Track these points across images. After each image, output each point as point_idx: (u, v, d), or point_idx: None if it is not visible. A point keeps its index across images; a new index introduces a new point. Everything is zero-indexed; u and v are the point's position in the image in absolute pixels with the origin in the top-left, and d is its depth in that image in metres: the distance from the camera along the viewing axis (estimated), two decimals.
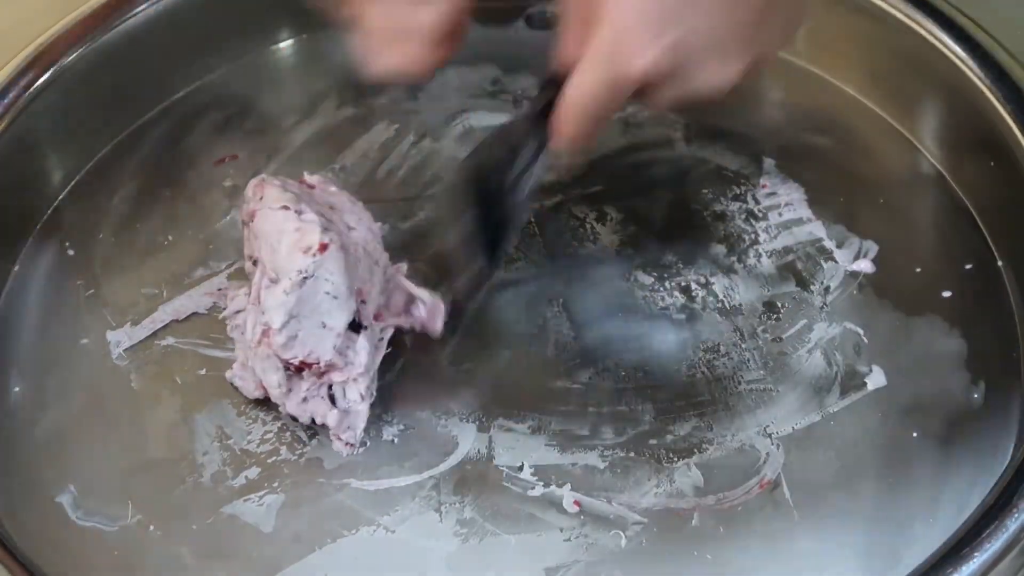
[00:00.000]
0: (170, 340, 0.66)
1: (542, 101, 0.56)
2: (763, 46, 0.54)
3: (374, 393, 0.61)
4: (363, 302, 0.60)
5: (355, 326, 0.60)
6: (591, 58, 0.52)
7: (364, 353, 0.60)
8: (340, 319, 0.58)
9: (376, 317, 0.62)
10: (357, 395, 0.60)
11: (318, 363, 0.59)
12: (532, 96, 0.61)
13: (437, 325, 0.63)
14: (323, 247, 0.57)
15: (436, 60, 0.56)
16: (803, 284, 0.67)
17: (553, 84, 0.55)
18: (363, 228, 0.63)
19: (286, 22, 0.83)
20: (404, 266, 0.65)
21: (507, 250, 0.66)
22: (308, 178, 0.65)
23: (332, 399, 0.60)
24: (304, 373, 0.59)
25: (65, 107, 0.73)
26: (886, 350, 0.64)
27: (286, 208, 0.59)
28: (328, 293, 0.58)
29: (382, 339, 0.62)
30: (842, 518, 0.58)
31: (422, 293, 0.63)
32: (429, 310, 0.63)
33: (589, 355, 0.64)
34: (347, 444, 0.61)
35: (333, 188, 0.65)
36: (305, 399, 0.60)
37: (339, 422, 0.60)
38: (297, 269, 0.57)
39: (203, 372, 0.64)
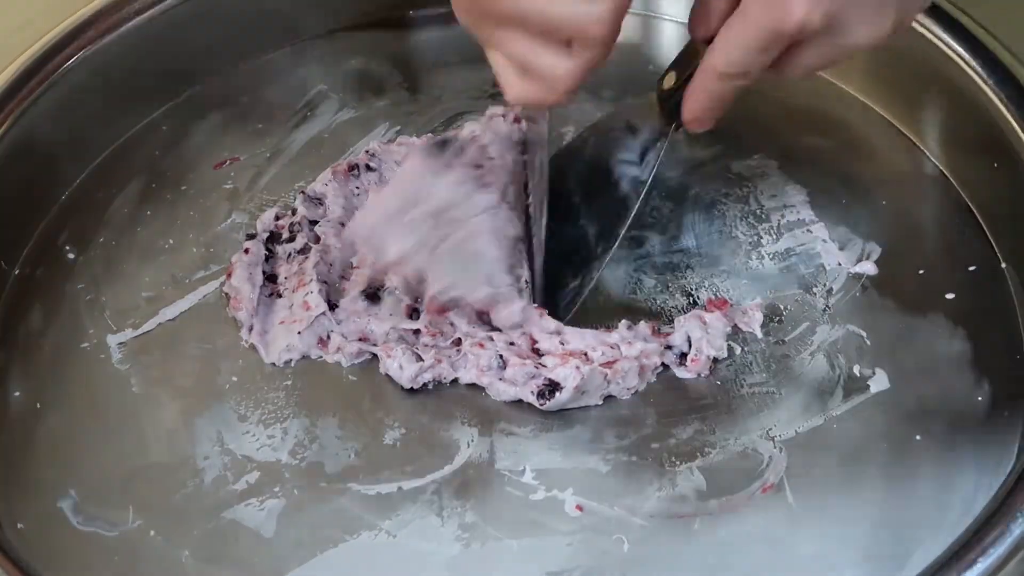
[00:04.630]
0: (171, 343, 0.66)
1: (668, 84, 0.60)
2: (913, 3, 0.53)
3: None
4: None
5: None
6: (745, 11, 0.51)
7: None
8: None
9: None
10: None
11: None
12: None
13: None
14: None
15: (564, 102, 0.56)
16: (805, 286, 0.67)
17: (680, 64, 0.58)
18: None
19: (286, 25, 0.82)
20: None
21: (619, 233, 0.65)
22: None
23: None
24: None
25: (66, 110, 0.73)
26: (889, 353, 0.64)
27: None
28: None
29: None
30: (845, 522, 0.57)
31: None
32: None
33: None
34: None
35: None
36: None
37: None
38: None
39: (204, 376, 0.64)
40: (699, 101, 0.56)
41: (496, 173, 0.64)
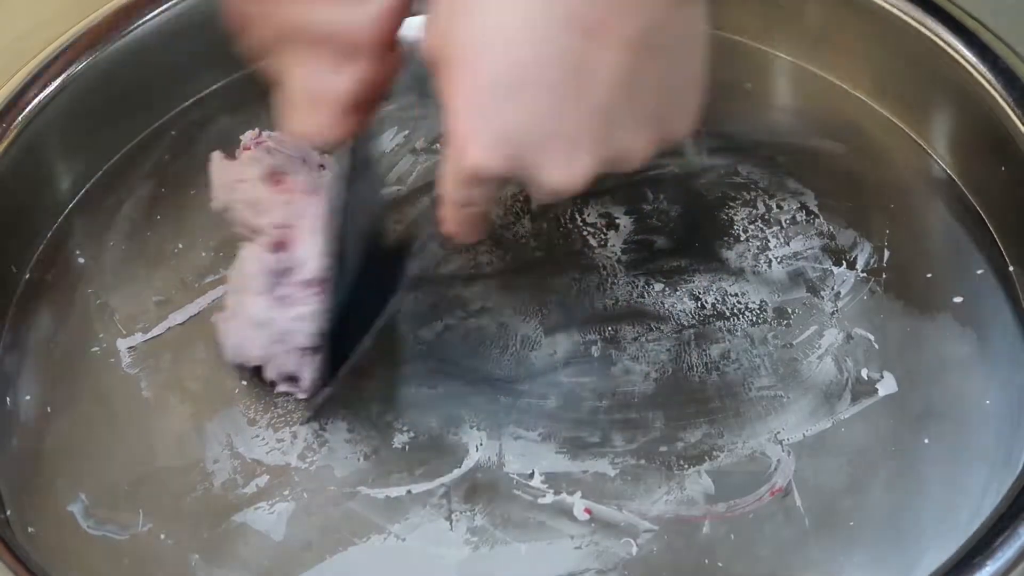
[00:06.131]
0: (181, 347, 0.66)
1: None
2: (622, 142, 0.47)
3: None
4: None
5: None
6: (445, 153, 0.49)
7: None
8: None
9: None
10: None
11: None
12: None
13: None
14: None
15: (345, 130, 0.53)
16: (813, 290, 0.67)
17: None
18: None
19: None
20: None
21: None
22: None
23: None
24: None
25: (75, 114, 0.73)
26: (897, 356, 0.64)
27: None
28: None
29: None
30: (853, 526, 0.58)
31: None
32: None
33: (598, 362, 0.64)
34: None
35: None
36: None
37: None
38: None
39: (213, 380, 0.64)
40: (450, 223, 0.53)
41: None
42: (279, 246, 0.61)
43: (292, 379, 0.62)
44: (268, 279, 0.61)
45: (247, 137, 0.67)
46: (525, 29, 0.45)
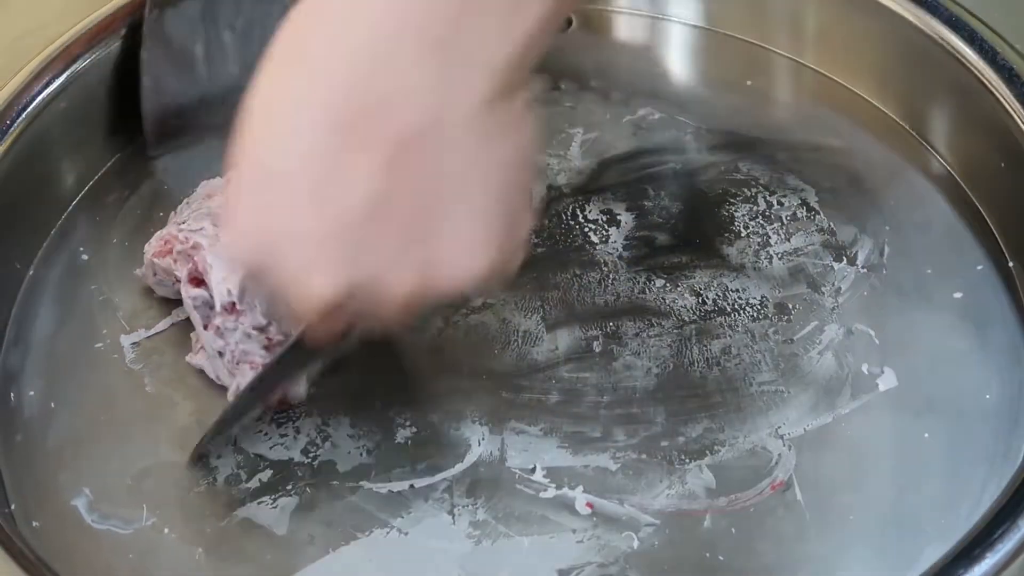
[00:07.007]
0: (184, 343, 0.66)
1: None
2: (374, 268, 0.42)
3: None
4: None
5: None
6: None
7: None
8: None
9: None
10: None
11: None
12: None
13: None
14: None
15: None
16: (814, 285, 0.68)
17: None
18: None
19: None
20: None
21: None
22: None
23: None
24: None
25: (77, 113, 0.73)
26: (897, 351, 0.64)
27: None
28: None
29: None
30: (854, 520, 0.58)
31: None
32: None
33: (600, 357, 0.65)
34: None
35: None
36: None
37: None
38: None
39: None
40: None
41: None
42: (196, 282, 0.62)
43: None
44: (201, 314, 0.62)
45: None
46: (284, 123, 0.42)
